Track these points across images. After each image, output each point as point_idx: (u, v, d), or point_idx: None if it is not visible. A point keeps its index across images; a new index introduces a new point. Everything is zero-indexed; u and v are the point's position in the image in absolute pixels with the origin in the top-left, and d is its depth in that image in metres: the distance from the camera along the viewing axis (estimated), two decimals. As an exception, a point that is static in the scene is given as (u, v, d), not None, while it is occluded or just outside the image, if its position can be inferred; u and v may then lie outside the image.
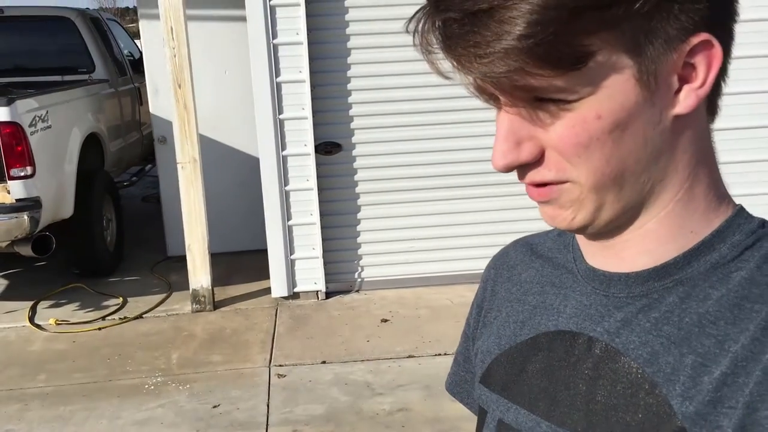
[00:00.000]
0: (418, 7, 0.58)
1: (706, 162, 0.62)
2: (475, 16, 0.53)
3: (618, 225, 0.63)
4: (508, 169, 0.59)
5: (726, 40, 0.58)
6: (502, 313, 0.76)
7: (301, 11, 4.38)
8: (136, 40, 7.12)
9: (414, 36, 0.57)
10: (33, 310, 4.81)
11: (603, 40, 0.54)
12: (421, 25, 0.56)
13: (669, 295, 0.61)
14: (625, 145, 0.58)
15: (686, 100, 0.57)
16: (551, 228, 0.68)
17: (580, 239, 0.68)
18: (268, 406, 3.54)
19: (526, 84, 0.55)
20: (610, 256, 0.65)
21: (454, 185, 4.76)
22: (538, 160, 0.59)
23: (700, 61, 0.57)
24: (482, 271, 0.84)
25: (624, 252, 0.64)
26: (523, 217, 4.35)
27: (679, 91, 0.57)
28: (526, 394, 0.69)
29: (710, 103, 0.61)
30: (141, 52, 6.17)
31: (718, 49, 0.57)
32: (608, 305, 0.64)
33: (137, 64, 6.73)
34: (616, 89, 0.56)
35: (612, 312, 0.64)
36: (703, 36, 0.56)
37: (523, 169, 0.60)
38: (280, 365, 3.95)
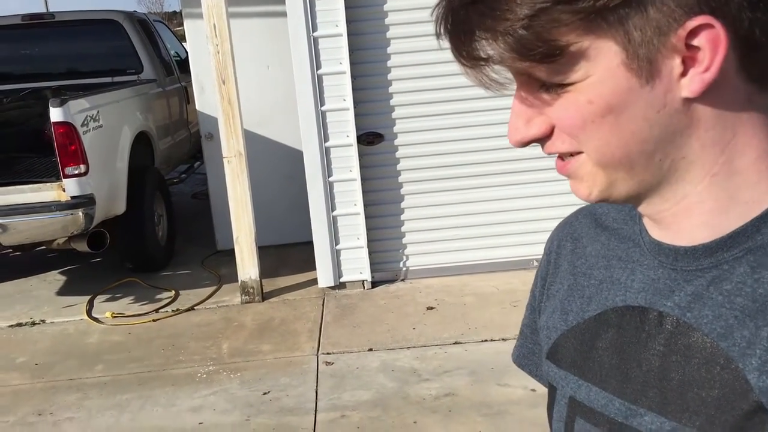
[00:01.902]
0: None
1: (747, 134, 0.60)
2: (466, 7, 0.58)
3: (648, 199, 0.63)
4: (521, 144, 0.63)
5: (736, 19, 0.56)
6: (564, 286, 0.76)
7: (340, 3, 4.42)
8: (183, 43, 7.27)
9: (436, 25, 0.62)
10: (90, 304, 4.98)
11: (584, 29, 0.56)
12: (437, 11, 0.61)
13: (739, 265, 0.61)
14: (624, 128, 0.59)
15: (692, 84, 0.57)
16: None
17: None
18: (316, 392, 3.60)
19: (522, 69, 0.58)
20: (666, 229, 0.65)
21: (497, 172, 4.74)
22: (549, 134, 0.62)
23: (704, 44, 0.55)
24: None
25: (677, 225, 0.64)
26: (570, 202, 4.30)
27: (685, 74, 0.57)
28: (597, 372, 0.68)
29: (761, 73, 0.59)
30: (187, 52, 6.31)
31: (719, 31, 0.55)
32: (677, 279, 0.64)
33: (184, 64, 6.88)
34: (606, 75, 0.57)
35: (682, 286, 0.63)
36: (701, 19, 0.55)
37: (541, 143, 0.63)
38: (328, 353, 4.00)
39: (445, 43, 0.61)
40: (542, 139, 0.63)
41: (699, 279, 0.62)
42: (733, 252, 0.61)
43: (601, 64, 0.57)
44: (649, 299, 0.65)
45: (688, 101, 0.58)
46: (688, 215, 0.63)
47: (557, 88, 0.59)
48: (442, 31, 0.60)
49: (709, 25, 0.55)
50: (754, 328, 0.58)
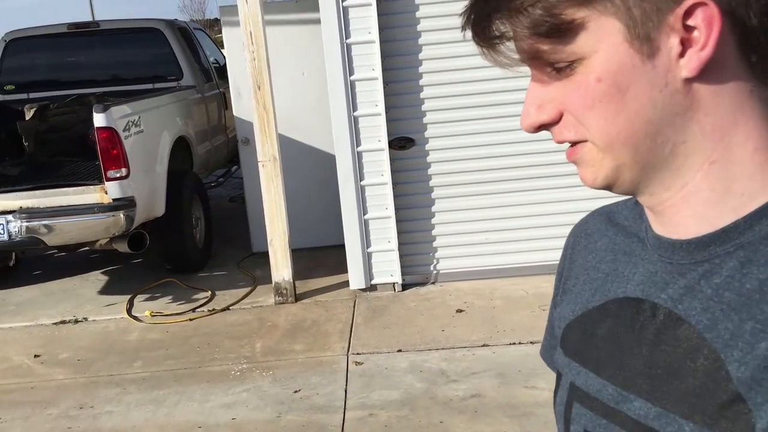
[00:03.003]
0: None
1: (748, 125, 0.61)
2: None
3: (651, 188, 0.66)
4: (531, 129, 0.67)
5: (731, 1, 0.58)
6: (579, 280, 0.79)
7: (373, 11, 4.51)
8: (221, 50, 7.45)
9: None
10: (130, 303, 5.14)
11: (587, 5, 0.60)
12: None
13: (730, 260, 0.62)
14: (629, 107, 0.61)
15: (689, 62, 0.59)
16: (629, 197, 0.73)
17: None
18: (345, 391, 3.68)
19: (534, 49, 0.62)
20: (665, 223, 0.67)
21: (528, 176, 4.78)
22: (558, 121, 0.65)
23: (699, 23, 0.58)
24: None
25: (675, 217, 0.66)
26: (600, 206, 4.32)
27: (683, 54, 0.59)
28: (594, 359, 0.71)
29: (762, 63, 0.60)
30: (225, 59, 6.47)
31: (713, 9, 0.57)
32: (672, 272, 0.66)
33: (222, 71, 7.04)
34: (611, 52, 0.60)
35: (676, 278, 0.65)
36: (686, 2, 0.57)
37: (551, 130, 0.66)
38: (358, 353, 4.08)
39: (471, 42, 0.67)
40: (552, 126, 0.66)
41: (692, 272, 0.64)
42: (725, 247, 0.63)
43: (606, 41, 0.60)
44: (646, 291, 0.68)
45: (688, 82, 0.60)
46: (686, 205, 0.65)
47: (566, 69, 0.62)
48: (464, 22, 0.66)
49: (703, 3, 0.57)
50: (738, 321, 0.60)
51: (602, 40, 0.60)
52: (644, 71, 0.60)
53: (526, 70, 0.67)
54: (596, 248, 0.79)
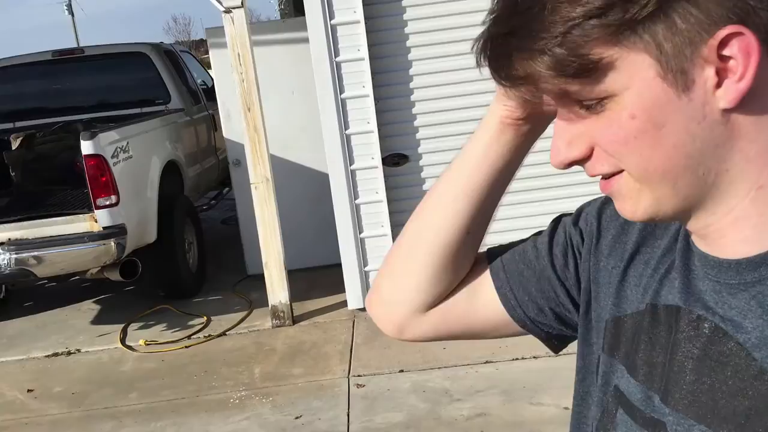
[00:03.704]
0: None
1: None
2: (503, 35, 0.61)
3: (695, 215, 0.64)
4: (562, 166, 0.65)
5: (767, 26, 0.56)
6: (618, 270, 0.75)
7: (361, 28, 4.47)
8: (209, 70, 7.41)
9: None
10: (124, 332, 5.04)
11: (615, 43, 0.57)
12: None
13: None
14: (667, 142, 0.59)
15: (727, 94, 0.57)
16: None
17: None
18: (348, 415, 3.60)
19: (560, 89, 0.60)
20: (710, 243, 0.65)
21: (525, 188, 4.73)
22: (590, 156, 0.64)
23: (735, 53, 0.56)
24: None
25: (722, 240, 0.64)
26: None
27: (720, 85, 0.57)
28: (639, 366, 0.70)
29: None
30: (213, 81, 6.42)
31: (751, 39, 0.56)
32: (721, 291, 0.64)
33: (210, 93, 6.99)
34: (643, 88, 0.58)
35: (725, 298, 0.63)
36: (731, 28, 0.56)
37: (583, 166, 0.65)
38: (359, 375, 4.00)
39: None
40: (583, 161, 0.64)
41: (743, 293, 0.62)
42: None
43: (638, 77, 0.58)
44: (692, 303, 0.66)
45: (727, 112, 0.58)
46: (734, 229, 0.63)
47: (596, 105, 0.60)
48: (482, 60, 0.63)
49: (739, 33, 0.56)
50: None
51: (634, 77, 0.58)
52: (680, 105, 0.58)
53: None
54: (644, 245, 0.75)
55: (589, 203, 0.84)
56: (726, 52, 0.56)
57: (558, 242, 0.83)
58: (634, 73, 0.58)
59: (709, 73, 0.57)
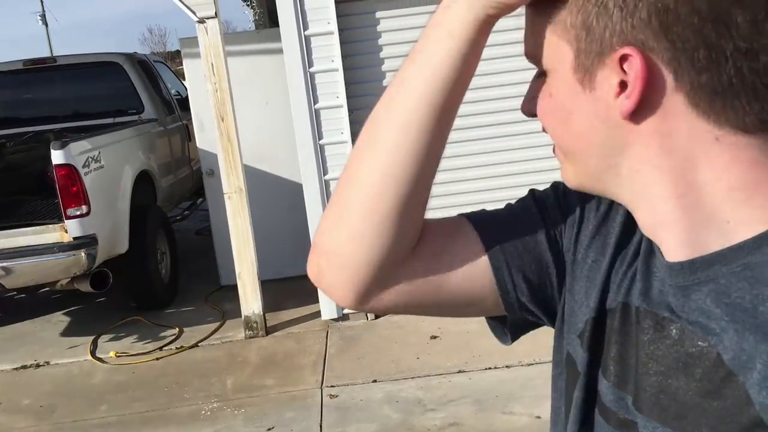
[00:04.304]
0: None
1: (715, 169, 0.61)
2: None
3: (632, 207, 0.67)
4: (526, 114, 0.71)
5: (659, 50, 0.58)
6: (603, 261, 0.74)
7: (335, 39, 4.49)
8: (184, 81, 7.38)
9: None
10: (94, 344, 4.98)
11: (551, 23, 0.64)
12: None
13: (737, 280, 0.60)
14: (573, 127, 0.65)
15: (621, 106, 0.61)
16: None
17: None
18: (321, 426, 3.58)
19: (532, 53, 0.68)
20: (660, 245, 0.66)
21: (499, 199, 4.76)
22: None
23: (629, 71, 0.60)
24: None
25: (664, 243, 0.65)
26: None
27: (618, 95, 0.61)
28: (611, 368, 0.70)
29: (715, 109, 0.59)
30: (187, 91, 6.39)
31: (638, 65, 0.58)
32: (677, 294, 0.64)
33: (184, 103, 6.95)
34: (564, 74, 0.64)
35: (683, 301, 0.63)
36: (626, 50, 0.59)
37: None
38: (332, 386, 3.99)
39: None
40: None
41: (697, 292, 0.63)
42: (731, 266, 0.61)
43: (563, 64, 0.64)
44: (656, 306, 0.66)
45: (629, 122, 0.62)
46: (668, 233, 0.64)
47: (543, 76, 0.67)
48: None
49: (630, 56, 0.59)
50: (754, 342, 0.58)
51: (559, 61, 0.64)
52: (585, 100, 0.63)
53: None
54: (617, 238, 0.73)
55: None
56: (626, 67, 0.60)
57: (549, 223, 0.78)
58: (561, 60, 0.64)
59: (613, 81, 0.61)
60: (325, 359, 4.34)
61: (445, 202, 4.39)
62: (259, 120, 5.61)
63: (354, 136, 4.60)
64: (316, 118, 4.55)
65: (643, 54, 0.59)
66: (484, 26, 0.66)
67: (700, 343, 0.61)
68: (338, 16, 4.48)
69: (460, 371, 3.98)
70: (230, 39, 5.32)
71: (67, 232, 4.53)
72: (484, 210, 0.83)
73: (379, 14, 4.60)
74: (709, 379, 0.60)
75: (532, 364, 3.85)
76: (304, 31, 4.47)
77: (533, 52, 0.67)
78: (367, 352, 4.39)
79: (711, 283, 0.62)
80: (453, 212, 0.84)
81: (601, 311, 0.73)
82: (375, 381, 3.98)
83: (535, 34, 0.66)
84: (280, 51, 4.66)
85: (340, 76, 4.52)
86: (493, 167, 4.79)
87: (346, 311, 4.81)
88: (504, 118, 4.61)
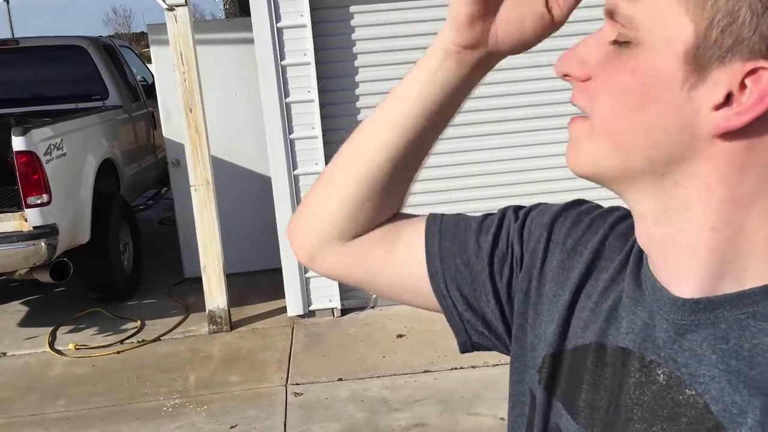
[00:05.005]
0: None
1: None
2: None
3: (642, 211, 0.61)
4: (559, 73, 0.62)
5: None
6: (558, 299, 0.71)
7: (308, 32, 4.43)
8: (149, 65, 7.23)
9: None
10: (53, 335, 4.86)
11: None
12: None
13: (739, 327, 0.57)
14: (643, 117, 0.56)
15: (717, 120, 0.53)
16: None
17: None
18: (285, 425, 3.55)
19: (625, 12, 0.56)
20: (658, 266, 0.62)
21: (466, 199, 4.76)
22: (584, 81, 0.60)
23: (751, 85, 0.52)
24: None
25: (669, 265, 0.61)
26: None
27: (719, 108, 0.53)
28: (582, 409, 0.66)
29: None
30: (154, 77, 6.27)
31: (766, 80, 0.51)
32: (668, 330, 0.60)
33: (150, 89, 6.82)
34: (665, 56, 0.54)
35: (675, 339, 0.60)
36: (763, 62, 0.51)
37: (573, 86, 0.62)
38: (297, 383, 3.96)
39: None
40: (576, 83, 0.61)
41: (693, 333, 0.59)
42: (736, 313, 0.57)
43: (674, 44, 0.53)
44: (643, 345, 0.62)
45: (712, 138, 0.54)
46: (681, 256, 0.59)
47: (622, 45, 0.56)
48: None
49: (764, 70, 0.51)
50: (747, 395, 0.55)
51: (669, 38, 0.53)
52: (678, 96, 0.54)
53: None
54: (599, 267, 0.70)
55: (540, 209, 0.78)
56: (748, 81, 0.52)
57: (500, 245, 0.77)
58: (671, 34, 0.53)
59: (721, 90, 0.53)
60: (290, 356, 4.31)
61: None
62: (227, 110, 5.53)
63: (325, 131, 4.56)
64: (287, 112, 4.50)
65: None
66: (448, 55, 0.71)
67: (687, 390, 0.58)
68: (311, 9, 4.42)
69: (425, 371, 3.98)
70: (199, 27, 5.22)
71: (26, 221, 4.41)
72: (454, 214, 0.85)
73: (353, 8, 4.56)
74: (695, 430, 0.57)
75: (498, 365, 3.86)
76: (276, 23, 4.41)
77: (628, 13, 0.55)
78: (332, 349, 4.36)
79: (711, 327, 0.58)
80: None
81: (558, 347, 0.70)
82: (340, 379, 3.96)
83: None
84: (250, 41, 4.59)
85: (312, 70, 4.47)
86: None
87: (312, 307, 4.78)
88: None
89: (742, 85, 0.52)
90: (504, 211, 0.81)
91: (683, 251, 0.59)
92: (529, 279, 0.74)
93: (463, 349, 0.83)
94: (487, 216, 0.82)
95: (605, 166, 0.60)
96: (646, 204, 0.60)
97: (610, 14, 0.57)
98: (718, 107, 0.53)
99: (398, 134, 0.76)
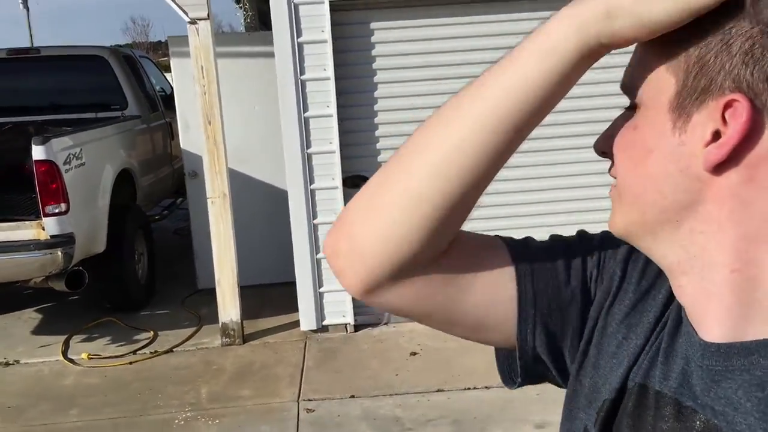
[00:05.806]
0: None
1: None
2: None
3: (670, 265, 0.62)
4: (598, 153, 0.67)
5: None
6: (629, 342, 0.69)
7: (329, 48, 4.44)
8: (167, 74, 7.27)
9: None
10: (66, 344, 4.87)
11: (669, 56, 0.59)
12: None
13: None
14: (646, 169, 0.61)
15: (708, 155, 0.56)
16: None
17: None
18: (297, 441, 3.53)
19: (627, 77, 0.64)
20: (693, 315, 0.63)
21: (484, 217, 4.74)
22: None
23: (731, 120, 0.55)
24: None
25: (698, 313, 0.62)
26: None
27: (708, 144, 0.56)
28: None
29: None
30: (172, 88, 6.30)
31: (743, 114, 0.54)
32: (704, 377, 0.61)
33: (168, 100, 6.86)
34: (656, 109, 0.60)
35: (710, 386, 0.60)
36: (738, 96, 0.55)
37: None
38: (309, 400, 3.94)
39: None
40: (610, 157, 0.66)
41: (728, 380, 0.59)
42: None
43: (661, 97, 0.59)
44: (681, 391, 0.63)
45: (711, 177, 0.57)
46: (708, 303, 0.60)
47: (632, 111, 0.63)
48: None
49: (737, 102, 0.55)
50: None
51: (658, 94, 0.60)
52: (672, 142, 0.59)
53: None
54: (646, 307, 0.69)
55: (613, 239, 0.70)
56: (728, 115, 0.55)
57: (586, 288, 0.73)
58: (659, 90, 0.59)
59: (708, 129, 0.56)
60: (302, 371, 4.29)
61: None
62: (245, 123, 5.55)
63: (342, 146, 4.56)
64: (305, 126, 4.50)
65: (753, 105, 0.55)
66: (587, 56, 0.60)
67: None
68: (333, 24, 4.43)
69: (438, 390, 3.95)
70: (220, 39, 5.25)
71: (44, 230, 4.43)
72: (523, 238, 0.78)
73: (374, 25, 4.57)
74: None
75: (512, 386, 3.82)
76: (297, 37, 4.42)
77: (632, 83, 0.62)
78: (345, 366, 4.34)
79: (746, 373, 0.59)
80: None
81: (620, 392, 0.69)
82: (353, 396, 3.94)
83: (641, 65, 0.61)
84: (270, 55, 4.61)
85: (331, 85, 4.48)
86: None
87: (325, 322, 4.77)
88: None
89: (725, 121, 0.56)
90: (582, 244, 0.76)
91: (710, 297, 0.61)
92: (597, 316, 0.73)
93: (512, 385, 0.81)
94: (567, 247, 0.76)
95: (630, 224, 0.64)
96: (671, 257, 0.62)
97: (623, 88, 0.64)
98: (707, 145, 0.57)
99: (502, 137, 0.65)
